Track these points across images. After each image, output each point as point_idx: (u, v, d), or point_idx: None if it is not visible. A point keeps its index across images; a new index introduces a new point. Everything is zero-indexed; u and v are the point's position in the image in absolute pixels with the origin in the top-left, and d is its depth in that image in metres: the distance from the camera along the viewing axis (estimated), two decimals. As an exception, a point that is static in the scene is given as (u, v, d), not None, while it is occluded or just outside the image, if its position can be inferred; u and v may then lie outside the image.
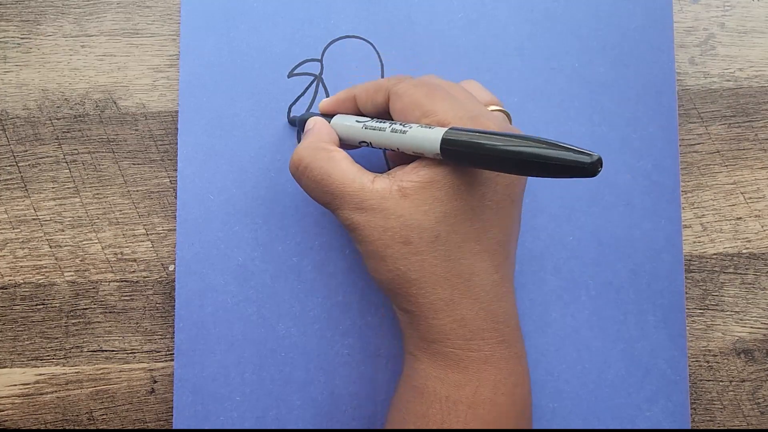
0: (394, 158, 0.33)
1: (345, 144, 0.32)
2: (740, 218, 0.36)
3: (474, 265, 0.27)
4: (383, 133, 0.29)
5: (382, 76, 0.36)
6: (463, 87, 0.31)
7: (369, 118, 0.30)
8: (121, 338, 0.36)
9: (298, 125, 0.35)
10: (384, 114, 0.30)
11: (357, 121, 0.30)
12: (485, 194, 0.27)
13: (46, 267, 0.36)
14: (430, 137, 0.26)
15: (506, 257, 0.29)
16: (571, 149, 0.22)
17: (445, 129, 0.26)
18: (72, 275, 0.36)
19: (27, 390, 0.35)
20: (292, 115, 0.36)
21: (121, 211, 0.36)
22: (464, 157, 0.25)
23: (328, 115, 0.33)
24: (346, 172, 0.28)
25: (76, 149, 0.36)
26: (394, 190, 0.27)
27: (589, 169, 0.22)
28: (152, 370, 0.36)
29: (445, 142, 0.26)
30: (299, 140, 0.36)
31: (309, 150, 0.29)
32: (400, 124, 0.28)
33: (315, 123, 0.32)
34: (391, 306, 0.34)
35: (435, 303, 0.27)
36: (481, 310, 0.28)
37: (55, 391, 0.35)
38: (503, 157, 0.24)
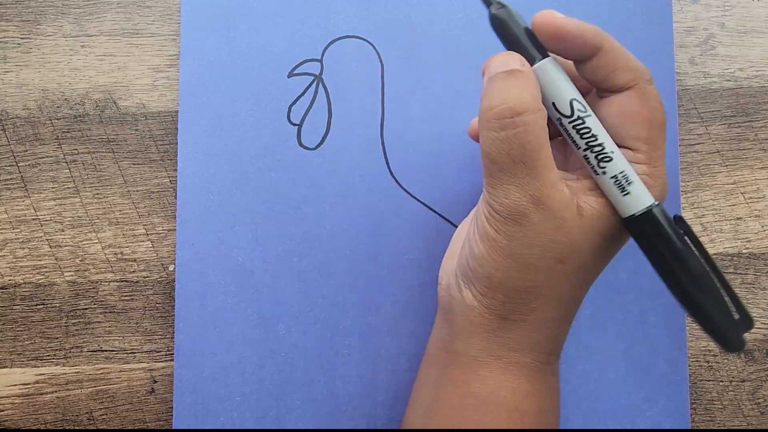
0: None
1: None
2: (740, 218, 0.36)
3: (583, 292, 0.27)
4: (577, 121, 0.24)
5: (382, 76, 0.36)
6: None
7: (579, 99, 0.25)
8: (121, 338, 0.36)
9: (497, 24, 0.26)
10: (602, 86, 0.25)
11: (575, 101, 0.25)
12: (621, 245, 0.27)
13: (46, 267, 0.36)
14: (632, 200, 0.24)
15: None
16: (732, 325, 0.23)
17: (653, 203, 0.24)
18: (72, 275, 0.36)
19: (27, 390, 0.35)
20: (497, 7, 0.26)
21: (121, 211, 0.36)
22: (641, 239, 0.25)
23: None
24: (550, 157, 0.24)
25: (76, 149, 0.36)
26: (574, 204, 0.25)
27: (729, 347, 0.23)
28: (152, 370, 0.36)
29: (636, 220, 0.24)
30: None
31: (535, 107, 0.24)
32: (604, 130, 0.24)
33: (527, 69, 0.24)
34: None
35: (548, 320, 0.26)
36: (569, 329, 0.28)
37: (55, 391, 0.35)
38: (680, 276, 0.24)
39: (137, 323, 0.36)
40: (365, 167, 0.36)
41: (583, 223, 0.25)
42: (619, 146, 0.25)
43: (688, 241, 0.24)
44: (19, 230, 0.36)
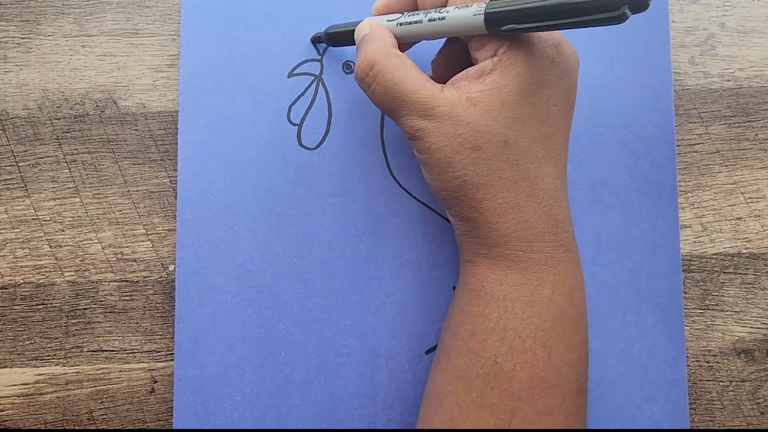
0: (438, 65, 0.33)
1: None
2: (740, 218, 0.36)
3: (539, 169, 0.28)
4: (421, 25, 0.29)
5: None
6: None
7: (400, 14, 0.30)
8: (121, 338, 0.36)
9: (331, 38, 0.34)
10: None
11: (389, 20, 0.30)
12: (550, 99, 0.28)
13: (46, 267, 0.36)
14: (471, 14, 0.27)
15: (565, 164, 0.30)
16: None
17: (486, 2, 0.27)
18: (72, 275, 0.36)
19: (27, 390, 0.35)
20: (324, 31, 0.35)
21: (121, 211, 0.36)
22: (508, 21, 0.26)
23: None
24: (417, 79, 0.28)
25: (76, 149, 0.36)
26: (464, 98, 0.27)
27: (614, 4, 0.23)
28: (152, 370, 0.36)
29: (488, 14, 0.26)
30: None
31: (381, 55, 0.29)
32: (436, 11, 0.28)
33: (373, 27, 0.31)
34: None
35: (500, 206, 0.28)
36: (543, 213, 0.28)
37: (55, 391, 0.36)
38: (545, 11, 0.25)
39: (137, 323, 0.36)
40: (365, 167, 0.36)
41: (481, 107, 0.27)
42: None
43: None
44: (19, 230, 0.36)
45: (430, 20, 0.29)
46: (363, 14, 0.33)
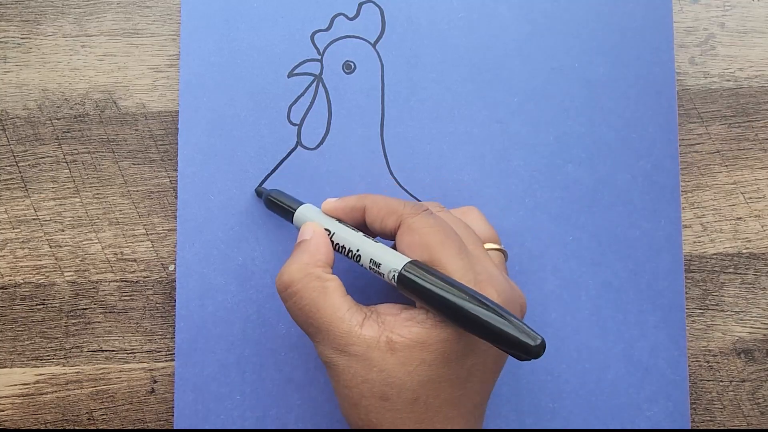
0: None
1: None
2: (740, 218, 0.36)
3: (446, 427, 0.27)
4: (347, 256, 0.29)
5: (382, 76, 0.36)
6: (464, 220, 0.30)
7: (342, 225, 0.30)
8: (121, 338, 0.36)
9: (270, 204, 0.34)
10: (389, 237, 0.29)
11: (326, 229, 0.30)
12: (475, 365, 0.27)
13: (46, 267, 0.36)
14: (393, 263, 0.27)
15: (480, 417, 0.29)
16: (521, 327, 0.23)
17: (407, 261, 0.26)
18: (72, 275, 0.36)
19: (27, 390, 0.35)
20: (264, 188, 0.35)
21: (121, 211, 0.36)
22: (416, 294, 0.25)
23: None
24: (336, 309, 0.27)
25: (76, 149, 0.36)
26: (382, 341, 0.26)
27: (532, 350, 0.22)
28: (152, 370, 0.36)
29: (402, 276, 0.26)
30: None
31: (301, 275, 0.28)
32: (358, 250, 0.28)
33: (313, 235, 0.29)
34: None
35: None
36: None
37: (55, 391, 0.35)
38: (453, 311, 0.24)
39: (137, 323, 0.36)
40: (365, 167, 0.36)
41: (398, 357, 0.25)
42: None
43: (439, 283, 0.25)
44: (19, 230, 0.36)
45: (352, 257, 0.28)
46: (363, 13, 0.32)
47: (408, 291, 0.26)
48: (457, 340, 0.26)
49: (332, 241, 0.30)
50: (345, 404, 0.27)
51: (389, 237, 0.29)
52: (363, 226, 0.30)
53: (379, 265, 0.27)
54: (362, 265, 0.28)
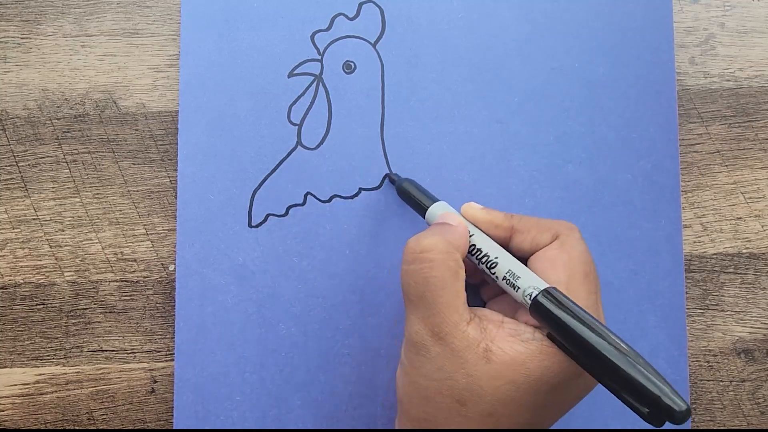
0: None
1: None
2: (740, 218, 0.36)
3: None
4: (480, 266, 0.28)
5: (382, 76, 0.36)
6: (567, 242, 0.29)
7: (483, 233, 0.29)
8: (121, 338, 0.36)
9: (402, 193, 0.34)
10: (525, 256, 0.29)
11: (471, 234, 0.29)
12: (559, 398, 0.26)
13: (46, 267, 0.36)
14: (535, 282, 0.26)
15: None
16: (668, 388, 0.21)
17: (547, 286, 0.25)
18: (72, 275, 0.36)
19: (27, 390, 0.35)
20: (397, 175, 0.35)
21: (121, 211, 0.36)
22: (549, 321, 0.25)
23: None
24: (456, 297, 0.26)
25: (76, 149, 0.36)
26: (481, 348, 0.25)
27: (676, 416, 0.21)
28: (152, 370, 0.36)
29: (539, 300, 0.25)
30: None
31: (444, 248, 0.27)
32: (495, 254, 0.28)
33: (459, 225, 0.29)
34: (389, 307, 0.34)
35: None
36: None
37: (55, 391, 0.35)
38: (589, 353, 0.23)
39: (137, 323, 0.36)
40: (365, 167, 0.36)
41: (491, 369, 0.25)
42: None
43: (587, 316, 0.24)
44: (19, 230, 0.36)
45: (486, 262, 0.28)
46: (362, 13, 0.32)
47: (539, 315, 0.25)
48: (558, 372, 0.25)
49: (471, 251, 0.29)
50: (414, 394, 0.26)
51: (535, 251, 0.29)
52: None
53: (517, 278, 0.26)
54: (494, 273, 0.28)
